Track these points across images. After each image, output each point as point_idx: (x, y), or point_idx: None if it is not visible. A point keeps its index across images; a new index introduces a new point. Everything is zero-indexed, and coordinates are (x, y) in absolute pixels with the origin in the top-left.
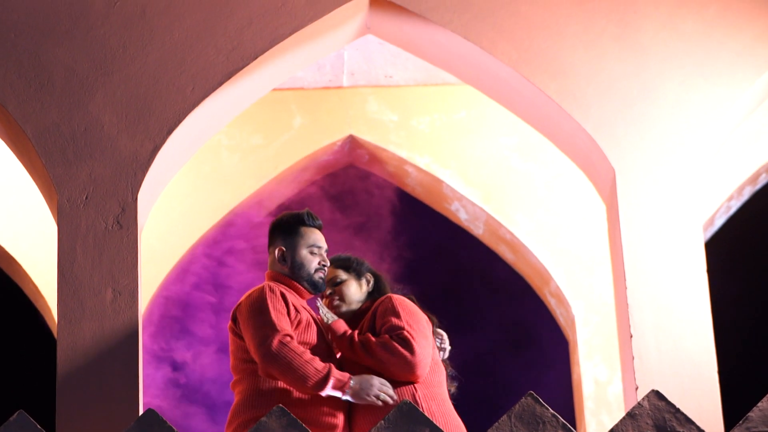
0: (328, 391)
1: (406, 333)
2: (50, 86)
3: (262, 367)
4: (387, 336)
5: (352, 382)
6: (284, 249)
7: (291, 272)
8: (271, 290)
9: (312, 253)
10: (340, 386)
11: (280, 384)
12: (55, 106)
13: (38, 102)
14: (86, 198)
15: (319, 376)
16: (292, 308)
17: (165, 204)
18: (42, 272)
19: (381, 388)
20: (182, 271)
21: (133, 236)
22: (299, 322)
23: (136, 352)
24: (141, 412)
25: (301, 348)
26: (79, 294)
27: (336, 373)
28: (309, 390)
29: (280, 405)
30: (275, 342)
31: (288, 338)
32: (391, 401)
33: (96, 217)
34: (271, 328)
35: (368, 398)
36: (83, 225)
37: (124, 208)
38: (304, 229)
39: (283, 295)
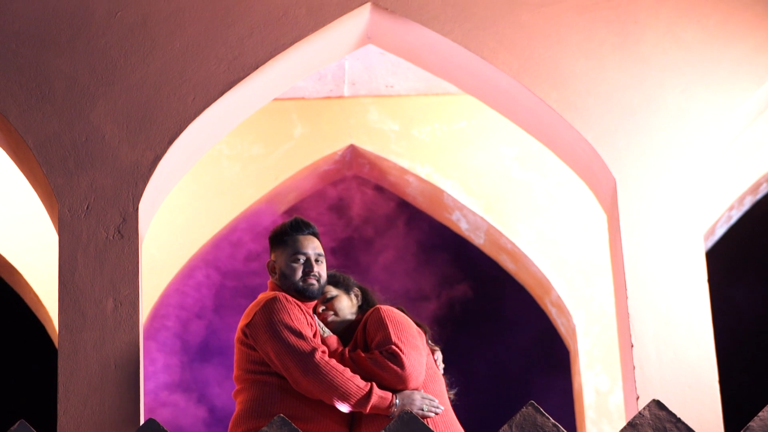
0: (369, 408)
1: (394, 347)
2: (51, 96)
3: (302, 384)
4: (377, 351)
5: (396, 400)
6: (274, 261)
7: (281, 283)
8: (288, 301)
9: (295, 261)
10: (383, 405)
11: (283, 394)
12: (56, 115)
13: (39, 112)
14: (87, 208)
15: (362, 394)
16: (308, 318)
17: (166, 214)
18: (43, 282)
19: (424, 402)
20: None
21: (134, 246)
22: (315, 333)
23: (137, 362)
24: (142, 421)
25: (341, 365)
26: (80, 303)
27: (378, 391)
28: (350, 407)
29: (281, 415)
30: (317, 358)
31: (326, 354)
32: (439, 411)
33: (97, 226)
34: (306, 343)
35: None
36: (84, 235)
37: (125, 218)
38: (288, 239)
39: (298, 306)
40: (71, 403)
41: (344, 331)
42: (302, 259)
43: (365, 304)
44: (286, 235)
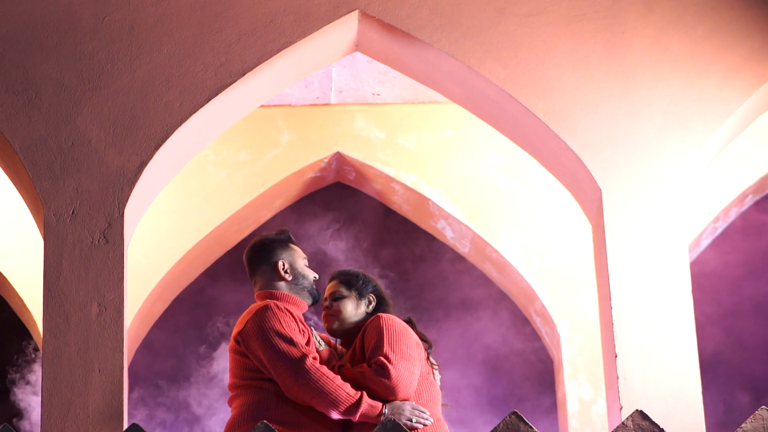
0: (358, 416)
1: (382, 359)
2: (38, 100)
3: (293, 390)
4: (366, 365)
5: (385, 410)
6: (285, 262)
7: (293, 285)
8: (279, 309)
9: (306, 265)
10: (373, 413)
11: (278, 400)
12: (42, 120)
13: (26, 116)
14: (73, 212)
15: (351, 401)
16: (300, 325)
17: (151, 219)
18: (28, 286)
19: (413, 413)
20: None
21: (119, 251)
22: (308, 340)
23: (120, 367)
24: (125, 426)
25: (332, 372)
26: (65, 308)
27: (368, 400)
28: (339, 414)
29: (264, 421)
30: (307, 364)
31: (317, 360)
32: (428, 423)
33: (82, 231)
34: (297, 349)
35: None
36: (69, 239)
37: (111, 223)
38: (292, 245)
39: (290, 313)
40: (55, 408)
41: (346, 335)
42: (307, 263)
43: (376, 312)
44: (290, 241)
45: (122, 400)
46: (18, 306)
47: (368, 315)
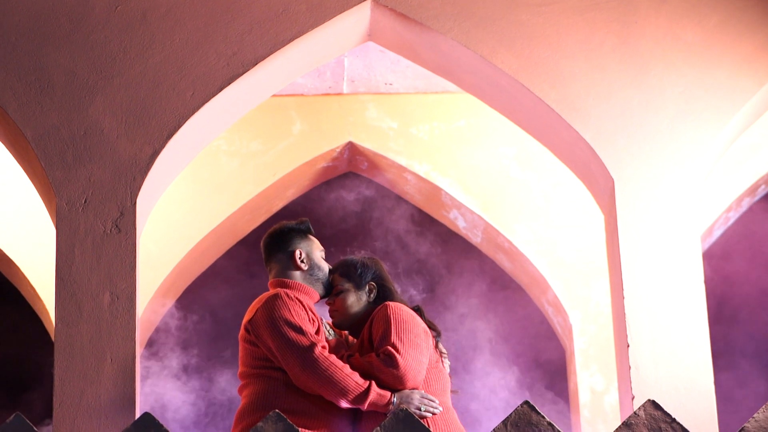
0: (367, 405)
1: (390, 349)
2: (50, 89)
3: (301, 378)
4: (374, 355)
5: (394, 399)
6: (302, 251)
7: (308, 274)
8: (290, 297)
9: (323, 257)
10: (382, 402)
11: (287, 389)
12: (55, 109)
13: (38, 105)
14: (85, 201)
15: (360, 390)
16: (310, 314)
17: (163, 209)
18: (40, 275)
19: (422, 402)
20: None
21: (131, 240)
22: (318, 329)
23: (133, 356)
24: (138, 415)
25: (341, 361)
26: (77, 297)
27: (377, 389)
28: (348, 403)
29: (277, 410)
30: (316, 353)
31: (325, 349)
32: (437, 411)
33: (95, 220)
34: (306, 338)
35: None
36: (82, 228)
37: (123, 212)
38: (310, 236)
39: (300, 302)
40: (67, 397)
41: (355, 325)
42: (323, 255)
43: (381, 299)
44: (309, 231)
45: (134, 389)
46: (30, 295)
47: (371, 303)
